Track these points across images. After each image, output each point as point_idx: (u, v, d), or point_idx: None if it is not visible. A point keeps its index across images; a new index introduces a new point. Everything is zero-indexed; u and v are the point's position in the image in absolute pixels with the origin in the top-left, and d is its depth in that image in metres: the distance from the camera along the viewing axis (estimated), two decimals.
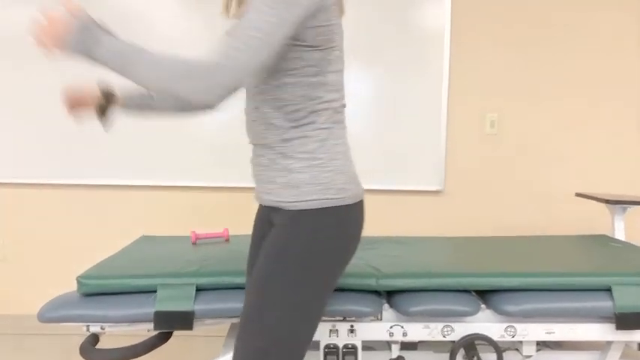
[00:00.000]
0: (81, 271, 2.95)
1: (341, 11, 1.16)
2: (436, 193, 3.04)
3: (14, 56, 2.83)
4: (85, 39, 1.00)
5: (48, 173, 2.89)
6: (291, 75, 1.11)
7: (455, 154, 3.03)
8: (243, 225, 2.84)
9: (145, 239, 2.18)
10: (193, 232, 2.07)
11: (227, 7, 1.21)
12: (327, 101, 1.15)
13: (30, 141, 2.87)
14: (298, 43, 1.08)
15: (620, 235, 2.38)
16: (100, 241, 2.97)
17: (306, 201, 1.13)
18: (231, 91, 0.98)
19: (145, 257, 1.86)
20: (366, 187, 2.96)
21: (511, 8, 2.98)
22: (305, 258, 1.12)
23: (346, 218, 1.16)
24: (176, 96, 0.98)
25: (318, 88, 1.13)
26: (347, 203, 1.15)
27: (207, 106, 0.99)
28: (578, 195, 2.58)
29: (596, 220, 3.09)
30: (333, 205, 1.14)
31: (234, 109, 2.85)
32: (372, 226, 3.01)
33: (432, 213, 3.05)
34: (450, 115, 3.01)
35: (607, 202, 2.34)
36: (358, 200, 1.19)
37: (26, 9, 2.81)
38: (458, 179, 3.05)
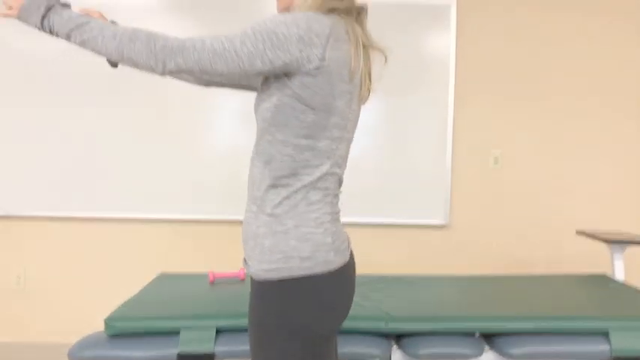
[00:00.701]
0: (96, 300, 3.06)
1: (351, 77, 1.10)
2: (441, 227, 3.14)
3: (33, 93, 2.98)
4: (39, 5, 1.09)
5: (65, 206, 3.01)
6: (281, 132, 1.09)
7: (459, 189, 3.14)
8: None
9: (164, 278, 2.28)
10: (211, 272, 2.17)
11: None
12: (313, 166, 1.10)
13: (49, 175, 3.00)
14: (295, 99, 1.07)
15: (619, 273, 2.46)
16: (115, 273, 3.08)
17: (268, 270, 1.08)
18: (171, 69, 1.04)
19: (167, 298, 1.96)
20: (370, 220, 3.07)
21: (515, 44, 3.11)
22: (269, 335, 1.08)
23: (314, 290, 1.08)
24: (129, 59, 1.06)
25: (305, 151, 1.09)
26: (315, 273, 1.08)
27: (153, 71, 1.06)
28: (578, 233, 2.67)
29: (600, 256, 3.17)
30: (298, 276, 1.07)
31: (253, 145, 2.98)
32: (378, 261, 3.11)
33: (436, 247, 3.15)
34: (455, 150, 3.12)
35: (606, 241, 2.43)
36: (332, 269, 1.10)
37: (50, 43, 2.97)
38: (462, 214, 3.15)
